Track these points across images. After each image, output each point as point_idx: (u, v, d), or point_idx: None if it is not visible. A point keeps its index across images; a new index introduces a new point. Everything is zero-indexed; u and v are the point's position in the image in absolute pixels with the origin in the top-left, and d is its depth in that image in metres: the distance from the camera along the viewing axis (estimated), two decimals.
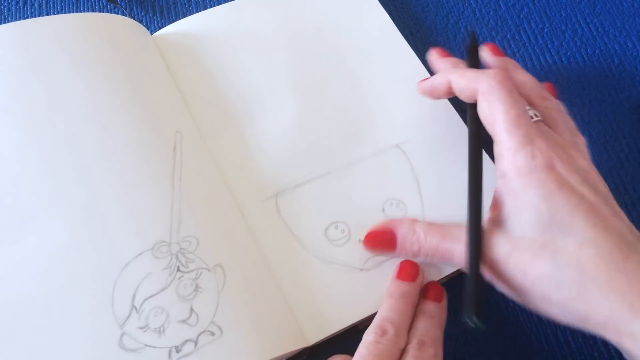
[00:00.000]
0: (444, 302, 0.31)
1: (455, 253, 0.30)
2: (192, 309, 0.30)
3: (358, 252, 0.34)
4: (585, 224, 0.26)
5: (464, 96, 0.32)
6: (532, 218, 0.27)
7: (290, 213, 0.35)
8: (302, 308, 0.32)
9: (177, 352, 0.29)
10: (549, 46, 0.44)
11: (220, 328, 0.29)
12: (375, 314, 0.32)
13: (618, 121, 0.41)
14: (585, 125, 0.41)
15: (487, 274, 0.29)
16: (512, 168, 0.28)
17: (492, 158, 0.32)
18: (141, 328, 0.29)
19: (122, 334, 0.29)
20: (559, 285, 0.26)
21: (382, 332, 0.28)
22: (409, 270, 0.32)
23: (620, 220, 0.27)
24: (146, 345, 0.29)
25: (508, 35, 0.45)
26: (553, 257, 0.26)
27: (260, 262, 0.33)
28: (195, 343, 0.29)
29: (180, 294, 0.30)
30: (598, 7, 0.46)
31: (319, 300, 0.33)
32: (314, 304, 0.32)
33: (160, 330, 0.29)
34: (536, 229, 0.27)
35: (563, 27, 0.45)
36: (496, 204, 0.30)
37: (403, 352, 0.28)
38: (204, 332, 0.29)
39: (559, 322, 0.28)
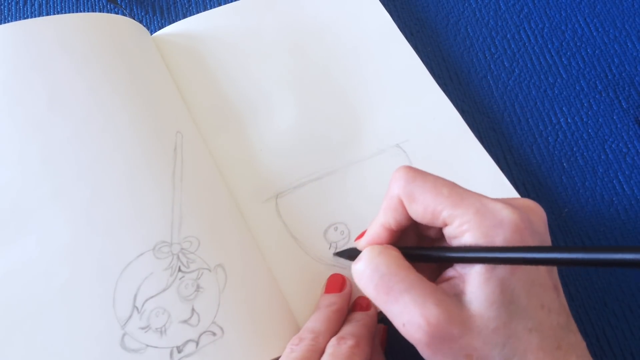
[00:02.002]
0: (372, 311, 0.31)
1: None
2: (193, 309, 0.30)
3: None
4: (537, 305, 0.25)
5: (403, 224, 0.28)
6: (495, 294, 0.25)
7: (290, 214, 0.35)
8: (302, 309, 0.32)
9: (179, 352, 0.29)
10: (549, 46, 0.44)
11: (221, 328, 0.29)
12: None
13: (618, 121, 0.41)
14: (584, 126, 0.41)
15: (425, 342, 0.25)
16: (482, 238, 0.25)
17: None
18: (143, 328, 0.29)
19: (124, 334, 0.29)
20: None
21: (299, 340, 0.28)
22: (335, 283, 0.32)
23: (559, 294, 0.26)
24: (148, 345, 0.29)
25: (508, 35, 0.45)
26: (503, 346, 0.24)
27: (261, 262, 0.33)
28: (197, 343, 0.29)
29: (181, 294, 0.30)
30: (598, 7, 0.46)
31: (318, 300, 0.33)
32: (313, 305, 0.32)
33: (162, 331, 0.29)
34: (495, 308, 0.25)
35: (563, 27, 0.45)
36: (457, 272, 0.27)
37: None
38: (205, 332, 0.29)
39: None
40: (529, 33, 0.45)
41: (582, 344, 0.26)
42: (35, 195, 0.32)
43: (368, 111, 0.39)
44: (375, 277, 0.26)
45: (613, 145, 0.40)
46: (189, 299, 0.30)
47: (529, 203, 0.28)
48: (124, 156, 0.33)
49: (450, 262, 0.27)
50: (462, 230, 0.26)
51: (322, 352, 0.28)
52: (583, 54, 0.44)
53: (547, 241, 0.27)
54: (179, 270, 0.31)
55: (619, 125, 0.41)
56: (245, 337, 0.30)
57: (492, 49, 0.44)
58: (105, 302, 0.29)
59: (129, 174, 0.33)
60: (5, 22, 0.44)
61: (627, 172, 0.39)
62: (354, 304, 0.32)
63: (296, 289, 0.33)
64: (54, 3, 0.45)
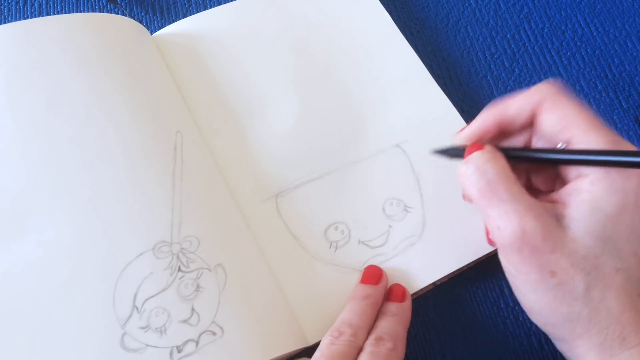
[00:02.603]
0: (407, 302, 0.32)
1: None
2: (193, 309, 0.30)
3: (357, 254, 0.34)
4: (631, 252, 0.26)
5: (521, 121, 0.29)
6: (596, 227, 0.26)
7: (290, 213, 0.35)
8: (302, 308, 0.32)
9: (179, 352, 0.29)
10: (549, 46, 0.44)
11: (221, 328, 0.29)
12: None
13: (618, 121, 0.41)
14: None
15: (515, 249, 0.26)
16: (603, 173, 0.26)
17: None
18: (142, 328, 0.29)
19: (124, 334, 0.29)
20: (574, 301, 0.26)
21: (339, 333, 0.29)
22: (372, 274, 0.32)
23: None
24: (147, 345, 0.29)
25: (508, 35, 0.45)
26: (588, 273, 0.25)
27: (261, 262, 0.33)
28: (197, 343, 0.29)
29: (181, 293, 0.30)
30: (598, 7, 0.46)
31: (319, 300, 0.33)
32: (314, 305, 0.32)
33: (162, 330, 0.29)
34: (592, 239, 0.26)
35: (563, 27, 0.45)
36: (561, 198, 0.27)
37: (362, 350, 0.28)
38: (205, 332, 0.29)
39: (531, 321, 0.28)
40: (529, 33, 0.45)
41: None
42: (35, 194, 0.32)
43: (368, 111, 0.39)
44: (482, 182, 0.27)
45: None
46: (188, 298, 0.30)
47: None
48: (124, 156, 0.33)
49: (564, 164, 0.28)
50: (562, 125, 0.27)
51: (360, 349, 0.28)
52: (583, 54, 0.44)
53: None
54: (179, 269, 0.30)
55: (619, 125, 0.41)
56: (245, 337, 0.30)
57: (492, 49, 0.44)
58: (105, 301, 0.29)
59: (129, 174, 0.33)
60: (5, 22, 0.44)
61: None
62: (390, 292, 0.32)
63: (296, 288, 0.33)
64: (54, 3, 0.45)
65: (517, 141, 0.31)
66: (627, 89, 0.42)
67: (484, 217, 0.28)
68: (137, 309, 0.29)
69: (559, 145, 0.28)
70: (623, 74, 0.43)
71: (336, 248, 0.34)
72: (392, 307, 0.31)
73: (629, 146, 0.27)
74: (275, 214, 0.35)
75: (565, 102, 0.28)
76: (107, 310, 0.29)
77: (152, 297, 0.30)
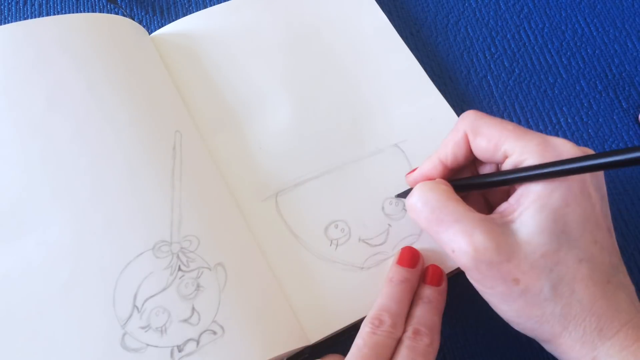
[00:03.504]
0: (444, 285, 0.32)
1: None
2: (193, 308, 0.30)
3: (358, 251, 0.34)
4: (590, 240, 0.26)
5: (462, 156, 0.30)
6: (546, 223, 0.26)
7: (290, 212, 0.35)
8: (303, 307, 0.32)
9: (179, 351, 0.29)
10: (549, 46, 0.44)
11: (222, 327, 0.29)
12: None
13: (618, 121, 0.41)
14: (584, 125, 0.41)
15: (473, 267, 0.27)
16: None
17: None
18: (143, 328, 0.29)
19: (124, 334, 0.29)
20: (544, 302, 0.26)
21: (379, 322, 0.29)
22: (409, 257, 0.32)
23: (612, 236, 0.27)
24: (148, 344, 0.29)
25: (508, 35, 0.45)
26: (551, 270, 0.26)
27: (261, 261, 0.33)
28: (197, 342, 0.29)
29: (181, 293, 0.30)
30: (598, 7, 0.46)
31: (320, 299, 0.33)
32: (315, 303, 0.32)
33: (162, 330, 0.29)
34: (545, 236, 0.26)
35: (563, 27, 0.45)
36: (510, 206, 0.28)
37: (399, 341, 0.29)
38: (205, 331, 0.29)
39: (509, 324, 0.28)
40: (529, 33, 0.45)
41: (632, 287, 0.27)
42: (35, 195, 0.32)
43: (366, 110, 0.39)
44: (427, 210, 0.28)
45: (613, 145, 0.40)
46: (189, 298, 0.30)
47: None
48: (123, 156, 0.33)
49: (506, 184, 0.28)
50: (522, 159, 0.27)
51: (398, 340, 0.28)
52: (583, 54, 0.44)
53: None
54: (179, 269, 0.30)
55: (619, 125, 0.41)
56: (246, 336, 0.30)
57: (492, 49, 0.44)
58: (106, 301, 0.29)
59: (128, 174, 0.33)
60: (5, 22, 0.44)
61: (627, 172, 0.39)
62: (426, 274, 0.32)
63: (297, 287, 0.33)
64: (54, 3, 0.45)
65: (487, 170, 0.31)
66: (627, 89, 0.42)
67: (438, 243, 0.28)
68: (137, 308, 0.29)
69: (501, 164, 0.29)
70: (623, 74, 0.43)
71: (337, 246, 0.34)
72: (429, 292, 0.31)
73: (558, 143, 0.27)
74: (275, 212, 0.35)
75: (488, 123, 0.29)
76: (107, 310, 0.29)
77: (152, 296, 0.30)
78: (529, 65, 0.43)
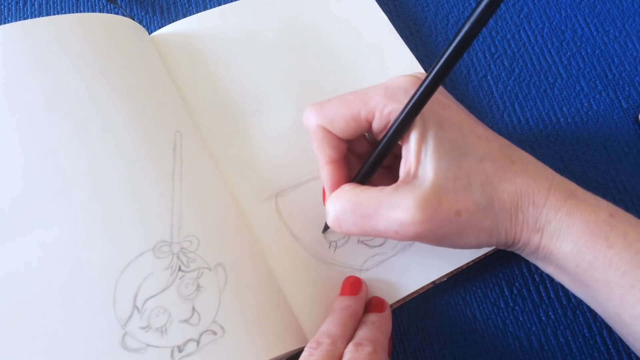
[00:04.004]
0: (387, 312, 0.32)
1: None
2: (194, 309, 0.30)
3: (357, 252, 0.34)
4: (474, 138, 0.28)
5: (334, 150, 0.30)
6: (437, 151, 0.27)
7: (290, 213, 0.35)
8: (302, 307, 0.32)
9: (180, 351, 0.29)
10: (549, 46, 0.44)
11: (222, 327, 0.29)
12: None
13: (618, 121, 0.41)
14: (584, 125, 0.41)
15: (423, 230, 0.27)
16: (396, 105, 0.28)
17: None
18: (143, 328, 0.29)
19: (125, 334, 0.29)
20: (485, 209, 0.27)
21: (317, 344, 0.28)
22: (350, 286, 0.33)
23: (482, 124, 0.30)
24: (148, 345, 0.29)
25: (508, 35, 0.45)
26: (470, 184, 0.27)
27: (261, 261, 0.33)
28: (198, 342, 0.29)
29: (181, 293, 0.30)
30: (598, 7, 0.46)
31: (319, 299, 0.33)
32: (314, 304, 0.33)
33: (162, 330, 0.29)
34: (444, 161, 0.27)
35: (563, 27, 0.45)
36: (406, 162, 0.29)
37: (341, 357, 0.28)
38: (206, 331, 0.29)
39: (466, 247, 0.29)
40: (529, 33, 0.45)
41: (531, 156, 0.29)
42: (35, 195, 0.32)
43: None
44: (349, 217, 0.29)
45: (613, 145, 0.40)
46: (189, 298, 0.30)
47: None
48: (123, 156, 0.33)
49: (390, 148, 0.29)
50: (384, 116, 0.28)
51: (340, 357, 0.28)
52: (583, 54, 0.44)
53: None
54: (179, 269, 0.31)
55: (619, 125, 0.41)
56: (246, 336, 0.30)
57: (492, 49, 0.44)
58: (106, 302, 0.29)
59: (128, 174, 0.33)
60: (5, 22, 0.44)
61: (627, 172, 0.39)
62: (368, 304, 0.32)
63: (296, 288, 0.33)
64: (54, 3, 0.45)
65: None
66: (627, 89, 0.42)
67: (382, 236, 0.29)
68: (137, 309, 0.29)
69: (365, 135, 0.31)
70: (623, 74, 0.43)
71: (336, 247, 0.34)
72: (372, 316, 0.31)
73: (397, 82, 0.29)
74: (274, 213, 0.35)
75: (329, 107, 0.30)
76: (107, 310, 0.29)
77: (152, 297, 0.30)
78: (529, 65, 0.43)
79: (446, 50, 0.24)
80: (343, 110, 0.29)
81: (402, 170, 0.29)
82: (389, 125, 0.28)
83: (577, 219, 0.27)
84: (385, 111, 0.28)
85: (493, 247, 0.34)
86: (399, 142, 0.29)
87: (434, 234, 0.28)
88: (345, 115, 0.29)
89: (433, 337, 0.34)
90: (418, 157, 0.28)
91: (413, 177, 0.28)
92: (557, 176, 0.29)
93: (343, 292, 0.32)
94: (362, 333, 0.29)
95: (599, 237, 0.26)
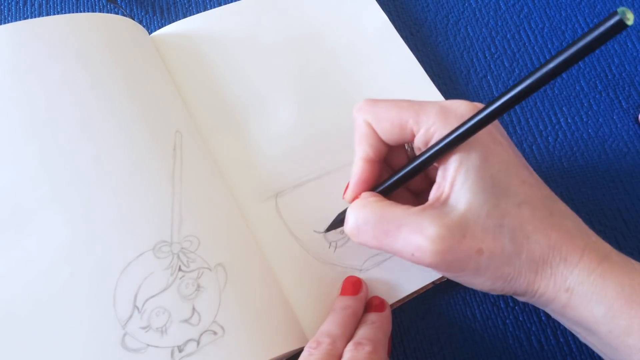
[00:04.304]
0: (386, 311, 0.32)
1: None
2: (194, 309, 0.30)
3: (357, 252, 0.34)
4: (518, 181, 0.27)
5: (379, 153, 0.30)
6: (477, 183, 0.26)
7: (290, 213, 0.35)
8: (302, 307, 0.32)
9: (180, 351, 0.29)
10: (549, 46, 0.44)
11: (222, 327, 0.29)
12: None
13: (618, 121, 0.41)
14: (584, 125, 0.41)
15: (439, 260, 0.26)
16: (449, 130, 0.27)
17: None
18: (143, 328, 0.29)
19: (125, 334, 0.29)
20: (510, 256, 0.26)
21: (317, 344, 0.28)
22: (351, 286, 0.33)
23: (532, 171, 0.28)
24: (149, 345, 0.29)
25: (508, 35, 0.45)
26: (501, 226, 0.26)
27: (261, 261, 0.33)
28: (198, 342, 0.29)
29: (182, 293, 0.30)
30: (598, 7, 0.46)
31: (319, 299, 0.33)
32: (314, 304, 0.33)
33: (163, 330, 0.29)
34: (481, 195, 0.26)
35: (563, 27, 0.45)
36: (438, 187, 0.28)
37: (341, 356, 0.28)
38: (206, 331, 0.29)
39: (486, 291, 0.28)
40: (529, 33, 0.45)
41: (571, 211, 0.28)
42: (35, 195, 0.32)
43: None
44: (369, 228, 0.28)
45: (613, 145, 0.40)
46: (189, 298, 0.30)
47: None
48: (123, 156, 0.33)
49: (426, 166, 0.28)
50: (430, 133, 0.27)
51: (340, 357, 0.28)
52: None
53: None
54: (179, 269, 0.31)
55: (619, 125, 0.41)
56: (246, 336, 0.30)
57: (492, 49, 0.44)
58: (106, 302, 0.29)
59: (128, 174, 0.33)
60: (5, 22, 0.44)
61: (627, 172, 0.39)
62: (369, 304, 0.32)
63: (296, 288, 0.33)
64: (54, 3, 0.45)
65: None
66: (627, 89, 0.42)
67: (396, 254, 0.28)
68: (137, 309, 0.29)
69: (407, 148, 0.31)
70: (623, 74, 0.43)
71: (335, 247, 0.34)
72: (371, 316, 0.31)
73: (455, 105, 0.27)
74: (275, 213, 0.35)
75: (382, 107, 0.29)
76: (107, 310, 0.29)
77: (152, 297, 0.30)
78: (529, 65, 0.43)
79: (514, 87, 0.23)
80: (393, 114, 0.28)
81: (433, 195, 0.28)
82: (431, 142, 0.27)
83: (611, 283, 0.25)
84: (432, 129, 0.27)
85: None
86: (436, 164, 0.28)
87: (449, 266, 0.27)
88: (393, 119, 0.28)
89: (433, 337, 0.34)
90: (453, 184, 0.26)
91: (442, 204, 0.27)
92: (593, 236, 0.27)
93: (343, 292, 0.32)
94: (362, 332, 0.29)
95: (634, 302, 0.25)
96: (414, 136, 0.28)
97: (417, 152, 0.29)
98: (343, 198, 0.31)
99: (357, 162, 0.30)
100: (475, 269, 0.26)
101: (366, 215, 0.28)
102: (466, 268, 0.27)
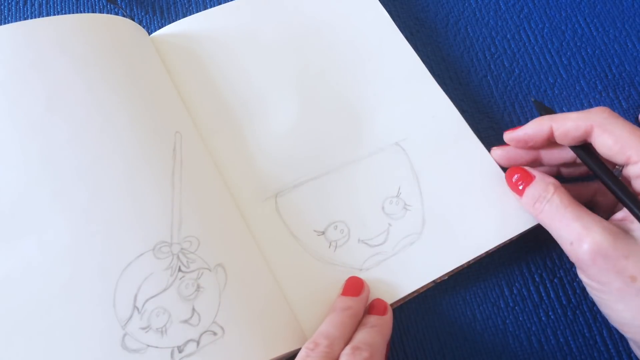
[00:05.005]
0: (388, 315, 0.31)
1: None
2: (194, 309, 0.30)
3: (357, 252, 0.34)
4: None
5: (569, 139, 0.32)
6: None
7: (289, 213, 0.35)
8: (302, 308, 0.32)
9: (180, 352, 0.29)
10: (549, 46, 0.44)
11: (222, 328, 0.29)
12: None
13: None
14: None
15: (589, 259, 0.28)
16: None
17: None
18: (143, 328, 0.29)
19: (125, 335, 0.29)
20: None
21: (314, 345, 0.28)
22: (353, 286, 0.32)
23: None
24: (149, 345, 0.29)
25: (508, 35, 0.45)
26: None
27: (260, 262, 0.33)
28: (198, 343, 0.29)
29: (182, 294, 0.30)
30: (598, 7, 0.46)
31: (319, 300, 0.33)
32: (314, 304, 0.32)
33: (163, 331, 0.29)
34: None
35: (563, 27, 0.45)
36: (627, 216, 0.30)
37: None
38: (206, 332, 0.29)
39: (622, 332, 0.30)
40: (529, 33, 0.45)
41: None
42: (35, 196, 0.32)
43: (367, 110, 0.39)
44: (552, 210, 0.31)
45: None
46: (189, 298, 0.30)
47: None
48: (123, 157, 0.33)
49: (620, 201, 0.30)
50: None
51: (336, 359, 0.28)
52: (583, 54, 0.44)
53: None
54: (179, 270, 0.31)
55: None
56: (246, 337, 0.30)
57: (492, 49, 0.44)
58: (106, 302, 0.29)
59: (128, 175, 0.33)
60: (5, 22, 0.44)
61: None
62: (370, 306, 0.32)
63: (296, 288, 0.33)
64: (54, 3, 0.45)
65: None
66: (627, 89, 0.42)
67: (557, 238, 0.31)
68: (137, 309, 0.29)
69: (616, 167, 0.32)
70: (623, 74, 0.43)
71: (336, 247, 0.34)
72: (372, 319, 0.31)
73: None
74: (274, 213, 0.35)
75: (619, 125, 0.30)
76: (107, 311, 0.29)
77: (152, 297, 0.30)
78: (529, 65, 0.43)
79: None
80: (625, 135, 0.30)
81: (620, 215, 0.30)
82: None
83: None
84: None
85: (493, 246, 0.34)
86: None
87: (596, 271, 0.28)
88: (620, 139, 0.30)
89: (433, 337, 0.34)
90: None
91: (624, 226, 0.29)
92: None
93: (345, 292, 0.32)
94: (361, 336, 0.29)
95: None
96: (626, 163, 0.30)
97: (625, 177, 0.31)
98: (504, 133, 0.35)
99: (544, 123, 0.33)
100: (621, 292, 0.27)
101: (553, 198, 0.31)
102: (612, 283, 0.28)
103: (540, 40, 0.45)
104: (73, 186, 0.32)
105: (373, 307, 0.32)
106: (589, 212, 0.30)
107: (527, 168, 0.34)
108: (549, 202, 0.31)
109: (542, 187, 0.32)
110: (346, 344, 0.29)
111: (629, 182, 0.31)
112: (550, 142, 0.33)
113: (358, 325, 0.31)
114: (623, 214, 0.30)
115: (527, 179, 0.33)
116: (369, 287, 0.33)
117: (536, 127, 0.33)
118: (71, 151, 0.33)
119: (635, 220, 0.29)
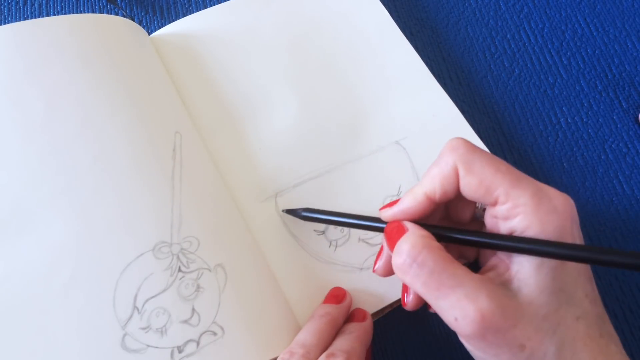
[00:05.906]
0: (367, 322, 0.31)
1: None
2: (193, 309, 0.30)
3: (357, 252, 0.34)
4: (582, 294, 0.25)
5: (453, 190, 0.27)
6: (546, 281, 0.25)
7: None
8: (302, 308, 0.32)
9: (180, 352, 0.29)
10: (549, 46, 0.44)
11: (222, 328, 0.29)
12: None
13: (618, 121, 0.41)
14: (584, 126, 0.41)
15: (478, 335, 0.24)
16: (536, 222, 0.25)
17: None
18: (143, 329, 0.29)
19: (125, 335, 0.29)
20: None
21: (289, 354, 0.28)
22: (334, 295, 0.32)
23: (594, 287, 0.27)
24: (148, 345, 0.29)
25: (508, 35, 0.45)
26: (554, 333, 0.24)
27: (260, 261, 0.33)
28: (198, 343, 0.29)
29: (181, 294, 0.30)
30: (598, 7, 0.46)
31: (320, 299, 0.33)
32: (314, 304, 0.33)
33: (162, 331, 0.29)
34: (546, 295, 0.25)
35: (563, 27, 0.45)
36: (502, 261, 0.27)
37: None
38: (206, 332, 0.29)
39: None
40: (529, 33, 0.45)
41: (615, 334, 0.27)
42: (35, 196, 0.32)
43: (367, 108, 0.39)
44: (424, 274, 0.25)
45: (613, 145, 0.40)
46: (189, 299, 0.30)
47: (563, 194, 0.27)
48: (122, 157, 0.33)
49: (502, 250, 0.26)
50: (515, 212, 0.25)
51: None
52: (583, 54, 0.44)
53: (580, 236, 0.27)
54: (179, 270, 0.31)
55: (619, 125, 0.41)
56: (246, 337, 0.30)
57: (492, 49, 0.44)
58: (106, 302, 0.29)
59: (128, 175, 0.33)
60: (5, 22, 0.44)
61: (627, 172, 0.39)
62: (351, 315, 0.32)
63: (296, 288, 0.33)
64: (54, 3, 0.45)
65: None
66: (627, 89, 0.42)
67: (436, 309, 0.26)
68: (137, 309, 0.29)
69: (477, 206, 0.28)
70: (623, 74, 0.43)
71: (336, 247, 0.34)
72: (351, 326, 0.30)
73: (553, 196, 0.25)
74: (274, 213, 0.35)
75: (479, 161, 0.26)
76: (107, 311, 0.29)
77: (152, 297, 0.30)
78: (529, 65, 0.43)
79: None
80: (487, 174, 0.26)
81: (493, 262, 0.27)
82: (516, 230, 0.26)
83: None
84: (519, 209, 0.25)
85: None
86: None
87: (485, 345, 0.25)
88: (484, 180, 0.26)
89: (433, 337, 0.34)
90: (522, 272, 0.25)
91: (503, 283, 0.25)
92: None
93: (326, 301, 0.32)
94: (338, 343, 0.29)
95: None
96: (495, 203, 0.26)
97: (490, 219, 0.27)
98: (380, 210, 0.29)
99: (417, 194, 0.28)
100: None
101: (425, 260, 0.25)
102: (500, 356, 0.25)
103: (540, 40, 0.45)
104: (72, 187, 0.32)
105: (353, 316, 0.32)
106: (468, 271, 0.25)
107: (404, 222, 0.28)
108: (422, 266, 0.25)
109: (408, 246, 0.26)
110: (323, 351, 0.28)
111: (496, 224, 0.27)
112: (434, 205, 0.28)
113: (337, 332, 0.30)
114: (496, 260, 0.27)
115: (399, 234, 0.27)
116: (351, 296, 0.33)
117: (413, 202, 0.28)
118: (71, 151, 0.33)
119: (509, 270, 0.26)
